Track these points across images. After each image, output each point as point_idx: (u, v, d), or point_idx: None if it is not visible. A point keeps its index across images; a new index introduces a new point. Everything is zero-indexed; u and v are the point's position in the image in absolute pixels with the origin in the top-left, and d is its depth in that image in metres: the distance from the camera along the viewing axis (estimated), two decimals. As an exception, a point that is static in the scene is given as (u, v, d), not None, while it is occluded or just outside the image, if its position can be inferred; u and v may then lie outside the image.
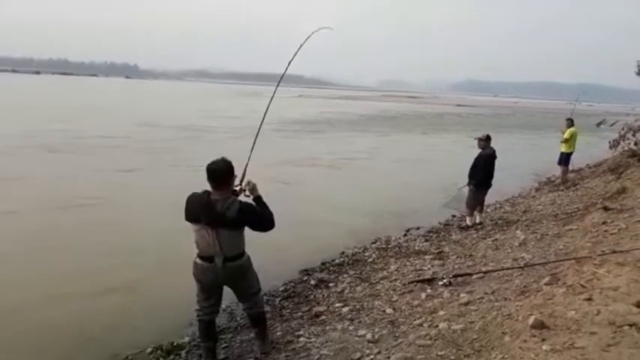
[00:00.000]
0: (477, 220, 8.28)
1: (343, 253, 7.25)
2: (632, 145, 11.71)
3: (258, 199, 3.72)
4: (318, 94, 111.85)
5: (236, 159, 3.68)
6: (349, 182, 12.85)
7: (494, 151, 8.10)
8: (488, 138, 8.12)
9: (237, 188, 3.71)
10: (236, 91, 78.66)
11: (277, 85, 4.39)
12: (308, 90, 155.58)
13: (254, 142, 4.01)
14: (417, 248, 7.31)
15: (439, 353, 3.29)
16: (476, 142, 8.24)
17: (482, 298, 4.39)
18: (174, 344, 4.47)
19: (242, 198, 3.67)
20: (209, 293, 3.75)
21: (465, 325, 3.73)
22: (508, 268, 5.20)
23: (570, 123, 12.07)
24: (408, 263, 6.49)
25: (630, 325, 2.89)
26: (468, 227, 8.18)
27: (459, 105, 76.59)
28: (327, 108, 50.09)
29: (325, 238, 7.82)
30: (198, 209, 3.46)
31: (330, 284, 5.95)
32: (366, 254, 7.17)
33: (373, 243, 7.76)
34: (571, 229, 6.65)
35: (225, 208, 3.41)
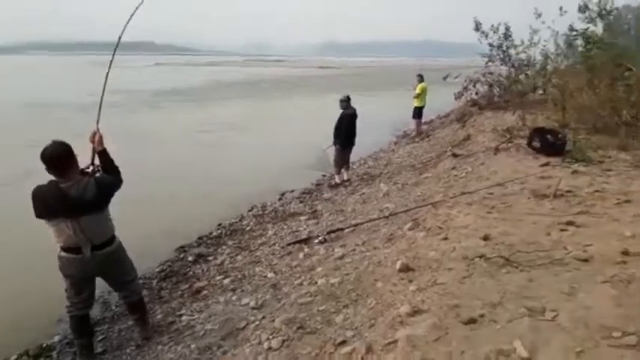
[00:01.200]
0: (345, 177, 8.70)
1: (220, 224, 7.16)
2: (473, 95, 13.02)
3: (103, 153, 3.42)
4: (176, 61, 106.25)
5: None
6: (218, 154, 12.53)
7: (354, 111, 8.48)
8: (348, 99, 8.46)
9: (90, 169, 3.44)
10: (92, 62, 71.28)
11: (113, 54, 3.99)
12: (164, 57, 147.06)
13: (98, 115, 3.63)
14: (292, 210, 7.48)
15: (320, 308, 3.45)
16: (338, 103, 8.54)
17: (355, 250, 4.67)
18: (43, 346, 4.12)
19: None
20: (80, 287, 3.46)
21: (341, 277, 3.95)
22: (375, 219, 5.58)
23: (420, 79, 13.04)
24: (285, 226, 6.64)
25: (480, 257, 3.30)
26: (337, 185, 8.55)
27: (321, 67, 78.25)
28: (188, 76, 47.99)
29: (200, 212, 7.62)
30: (51, 203, 3.11)
31: (209, 258, 5.88)
32: (244, 223, 7.17)
33: (250, 210, 7.78)
34: (427, 177, 7.30)
35: (81, 191, 3.12)
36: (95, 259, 3.30)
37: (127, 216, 7.14)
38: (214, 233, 6.84)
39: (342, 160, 8.63)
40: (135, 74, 44.95)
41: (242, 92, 29.89)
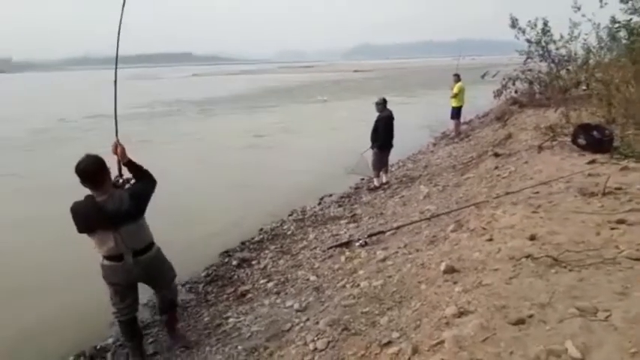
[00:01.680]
0: (384, 180, 8.67)
1: (262, 229, 7.27)
2: (512, 93, 12.75)
3: (130, 164, 3.45)
4: (213, 71, 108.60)
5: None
6: (258, 159, 12.75)
7: (391, 113, 8.46)
8: (384, 101, 8.45)
9: (120, 181, 3.50)
10: (126, 76, 73.73)
11: (116, 67, 3.87)
12: (201, 68, 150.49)
13: (116, 127, 3.65)
14: (332, 214, 7.52)
15: (363, 310, 3.47)
16: (374, 106, 8.53)
17: (397, 252, 4.66)
18: (98, 347, 4.31)
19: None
20: (124, 294, 3.53)
21: (384, 280, 3.95)
22: (417, 221, 5.54)
23: (457, 78, 12.86)
24: (325, 230, 6.68)
25: (526, 257, 3.23)
26: (376, 188, 8.54)
27: (356, 71, 78.30)
28: (227, 85, 49.01)
29: (242, 217, 7.77)
30: (90, 218, 3.19)
31: (253, 262, 5.97)
32: (285, 227, 7.25)
33: (290, 215, 7.85)
34: (468, 178, 7.19)
35: (118, 204, 3.20)
36: (138, 265, 3.39)
37: (174, 221, 7.55)
38: (256, 238, 6.94)
39: (381, 162, 8.61)
40: (174, 85, 46.22)
41: (277, 99, 30.23)
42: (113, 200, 3.19)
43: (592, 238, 3.42)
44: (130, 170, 3.46)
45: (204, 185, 10.09)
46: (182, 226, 7.42)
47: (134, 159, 3.50)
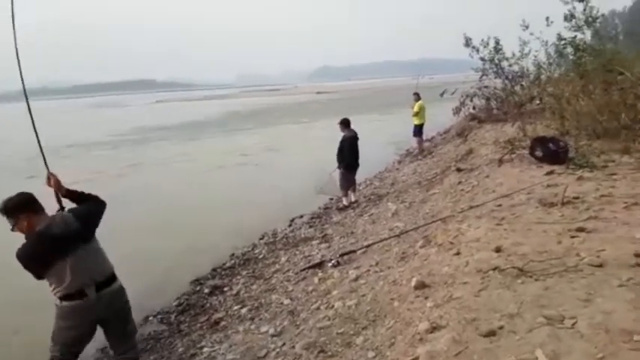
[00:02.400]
0: (353, 199, 8.76)
1: (233, 254, 7.21)
2: (471, 110, 13.18)
3: (70, 193, 3.17)
4: (176, 97, 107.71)
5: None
6: (224, 183, 12.70)
7: (356, 133, 8.62)
8: (348, 121, 8.61)
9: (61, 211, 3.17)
10: (90, 104, 72.23)
11: (27, 99, 3.50)
12: (164, 94, 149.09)
13: (44, 159, 3.31)
14: (303, 236, 7.54)
15: (339, 331, 3.49)
16: (339, 127, 8.67)
17: (369, 270, 4.72)
18: None
19: None
20: (82, 338, 3.08)
21: (357, 299, 3.99)
22: (386, 239, 5.63)
23: (417, 97, 13.23)
24: (297, 252, 6.68)
25: (493, 269, 3.33)
26: (345, 207, 8.62)
27: (318, 92, 79.19)
28: (196, 110, 48.76)
29: (211, 244, 7.70)
30: (42, 251, 2.87)
31: (225, 288, 5.92)
32: (256, 251, 7.21)
33: (261, 239, 7.83)
34: (434, 193, 7.36)
35: (63, 225, 2.92)
36: (101, 301, 3.00)
37: (141, 247, 7.42)
38: (228, 264, 6.89)
39: (348, 182, 8.71)
40: (141, 112, 45.65)
41: (240, 123, 30.23)
42: (57, 223, 2.92)
43: (554, 247, 3.56)
44: (73, 200, 3.18)
45: (181, 207, 10.22)
46: (152, 253, 7.35)
47: (73, 187, 3.25)
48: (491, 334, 2.56)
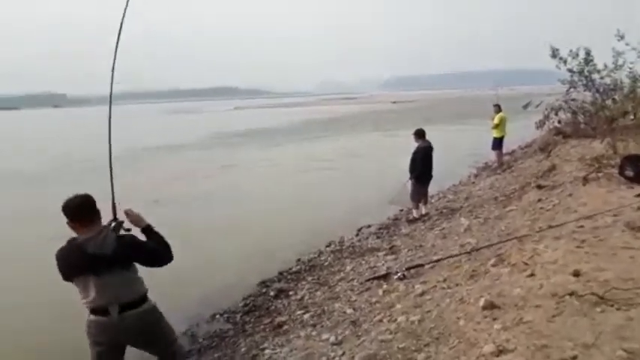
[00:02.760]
0: (423, 212, 8.57)
1: (299, 260, 7.29)
2: (556, 124, 12.44)
3: (147, 229, 3.10)
4: (254, 104, 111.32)
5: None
6: (298, 188, 12.95)
7: (430, 144, 8.43)
8: (423, 132, 8.45)
9: (113, 225, 3.05)
10: (171, 109, 76.81)
11: (110, 104, 3.48)
12: (243, 102, 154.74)
13: (110, 168, 3.30)
14: (370, 246, 7.46)
15: (400, 346, 3.41)
16: (413, 137, 8.54)
17: (436, 286, 4.57)
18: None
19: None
20: (107, 357, 3.02)
21: (421, 315, 3.88)
22: (457, 255, 5.43)
23: (498, 109, 12.72)
24: (363, 262, 6.63)
25: (570, 294, 3.12)
26: (415, 220, 8.44)
27: (394, 102, 78.64)
28: (267, 117, 50.22)
29: (280, 247, 7.84)
30: (71, 262, 2.88)
31: (290, 293, 5.99)
32: (322, 258, 7.25)
33: (327, 246, 7.85)
34: (511, 210, 7.02)
35: (99, 246, 2.82)
36: (125, 321, 2.90)
37: (216, 247, 7.76)
38: (294, 268, 6.97)
39: (419, 194, 8.54)
40: (219, 118, 47.71)
41: (320, 131, 30.69)
42: (95, 242, 2.83)
43: (641, 276, 3.27)
44: (147, 236, 3.11)
45: (257, 209, 10.64)
46: (225, 252, 7.67)
47: (154, 225, 3.14)
48: (563, 363, 2.40)
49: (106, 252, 2.81)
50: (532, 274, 3.70)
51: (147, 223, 3.12)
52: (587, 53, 11.23)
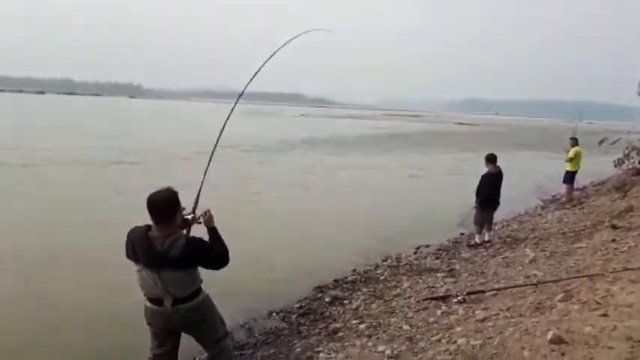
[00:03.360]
0: (486, 238, 8.40)
1: (355, 270, 7.34)
2: (636, 164, 11.85)
3: (212, 230, 3.27)
4: (320, 113, 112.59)
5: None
6: (359, 202, 13.03)
7: (499, 170, 8.29)
8: (493, 157, 8.32)
9: (190, 217, 3.29)
10: (246, 111, 79.21)
11: (236, 103, 4.00)
12: (310, 109, 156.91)
13: (208, 164, 3.60)
14: (428, 266, 7.41)
15: (460, 368, 3.39)
16: (484, 161, 8.42)
17: (498, 314, 4.48)
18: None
19: (194, 228, 3.35)
20: (161, 340, 3.27)
21: (483, 340, 3.83)
22: (521, 285, 5.30)
23: (575, 142, 12.28)
24: (420, 281, 6.59)
25: (646, 340, 3.00)
26: (477, 245, 8.29)
27: (459, 123, 77.17)
28: (338, 127, 50.81)
29: (337, 256, 7.94)
30: (136, 247, 3.01)
31: (345, 301, 6.04)
32: (378, 272, 7.26)
33: (384, 261, 7.86)
34: (580, 247, 6.75)
35: (167, 247, 2.93)
36: (178, 313, 3.07)
37: (271, 249, 7.97)
38: (349, 278, 7.02)
39: (483, 219, 8.38)
40: (286, 124, 48.82)
41: (393, 145, 30.71)
42: (163, 242, 2.95)
43: None
44: (210, 238, 3.26)
45: (324, 215, 10.97)
46: (279, 257, 7.82)
47: (220, 229, 3.30)
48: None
49: (173, 254, 2.92)
50: (605, 314, 3.58)
51: (214, 225, 3.29)
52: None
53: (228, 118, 3.82)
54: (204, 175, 3.56)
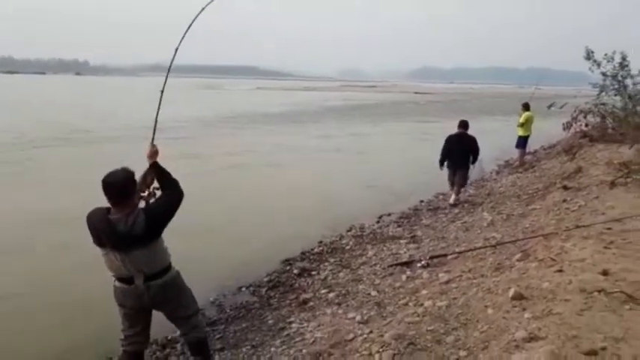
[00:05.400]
0: (451, 201, 8.78)
1: (321, 242, 7.44)
2: (583, 127, 12.38)
3: (155, 166, 3.24)
4: (276, 85, 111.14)
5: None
6: (321, 172, 13.11)
7: (458, 133, 8.87)
8: (460, 123, 9.01)
9: (146, 193, 3.27)
10: (194, 85, 76.99)
11: (167, 76, 3.84)
12: (264, 81, 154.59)
13: (153, 134, 3.47)
14: (391, 234, 7.59)
15: (428, 328, 3.54)
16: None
17: (461, 276, 4.69)
18: (169, 338, 4.57)
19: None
20: (133, 320, 3.26)
21: (448, 301, 4.01)
22: (481, 247, 5.54)
23: (526, 107, 12.68)
24: (384, 248, 6.76)
25: (599, 291, 3.22)
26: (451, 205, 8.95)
27: (416, 93, 78.09)
28: (290, 99, 50.25)
29: (302, 229, 8.00)
30: (99, 232, 2.96)
31: (313, 272, 6.14)
32: (343, 242, 7.39)
33: (348, 231, 7.99)
34: (534, 209, 7.08)
35: (130, 226, 2.91)
36: (149, 290, 3.09)
37: (236, 226, 7.94)
38: (316, 249, 7.12)
39: (449, 179, 9.02)
40: (241, 97, 47.89)
41: (338, 115, 30.70)
42: (126, 221, 2.92)
43: (670, 279, 3.35)
44: (155, 174, 3.25)
45: (269, 192, 10.76)
46: (250, 229, 7.87)
47: (164, 165, 3.28)
48: (592, 353, 2.52)
49: (136, 232, 2.91)
50: (560, 270, 3.80)
51: (155, 160, 3.25)
52: (623, 58, 11.16)
53: (162, 93, 3.66)
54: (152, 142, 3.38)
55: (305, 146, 17.43)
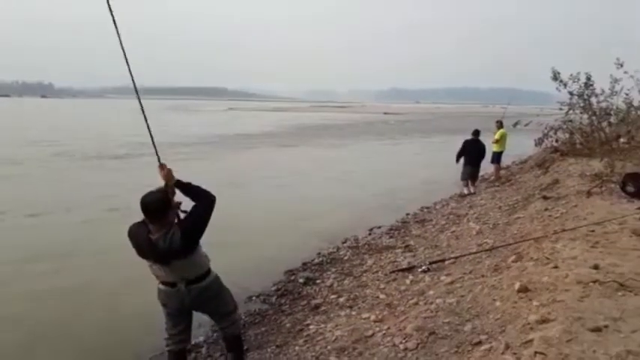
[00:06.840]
0: (472, 190, 11.68)
1: (319, 253, 7.76)
2: (554, 142, 13.19)
3: (179, 184, 3.37)
4: (247, 106, 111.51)
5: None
6: (308, 189, 13.46)
7: (473, 139, 11.77)
8: (474, 131, 12.17)
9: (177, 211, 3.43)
10: (166, 106, 76.50)
11: (139, 99, 3.83)
12: (235, 103, 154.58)
13: (157, 154, 3.54)
14: (385, 244, 7.98)
15: (444, 321, 3.92)
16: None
17: (463, 277, 5.11)
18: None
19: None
20: (176, 320, 3.53)
21: (457, 298, 4.41)
22: (476, 252, 5.99)
23: (500, 125, 13.42)
24: (382, 257, 7.14)
25: (594, 282, 3.67)
26: (464, 195, 11.45)
27: (385, 113, 79.78)
28: (267, 120, 50.68)
29: (299, 242, 8.34)
30: (142, 248, 3.24)
31: (317, 281, 6.46)
32: (341, 253, 7.74)
33: (344, 242, 8.36)
34: (519, 217, 7.61)
35: (168, 244, 3.15)
36: (191, 293, 3.35)
37: (236, 242, 8.18)
38: (316, 260, 7.44)
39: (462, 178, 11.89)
40: (214, 118, 47.91)
41: (312, 135, 31.19)
42: (164, 239, 3.15)
43: (653, 271, 3.83)
44: (182, 191, 3.39)
45: (262, 209, 11.03)
46: (245, 247, 8.08)
47: (182, 179, 3.42)
48: (597, 330, 2.93)
49: (175, 247, 3.14)
50: (556, 267, 4.25)
51: (176, 179, 3.37)
52: (588, 78, 12.02)
53: (145, 116, 3.66)
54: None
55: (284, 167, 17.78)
